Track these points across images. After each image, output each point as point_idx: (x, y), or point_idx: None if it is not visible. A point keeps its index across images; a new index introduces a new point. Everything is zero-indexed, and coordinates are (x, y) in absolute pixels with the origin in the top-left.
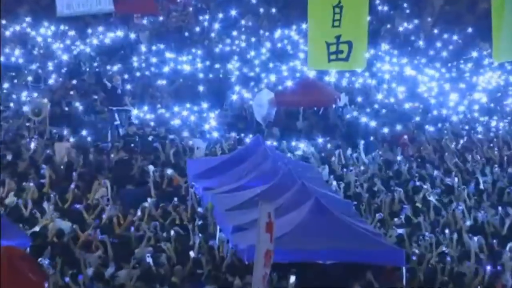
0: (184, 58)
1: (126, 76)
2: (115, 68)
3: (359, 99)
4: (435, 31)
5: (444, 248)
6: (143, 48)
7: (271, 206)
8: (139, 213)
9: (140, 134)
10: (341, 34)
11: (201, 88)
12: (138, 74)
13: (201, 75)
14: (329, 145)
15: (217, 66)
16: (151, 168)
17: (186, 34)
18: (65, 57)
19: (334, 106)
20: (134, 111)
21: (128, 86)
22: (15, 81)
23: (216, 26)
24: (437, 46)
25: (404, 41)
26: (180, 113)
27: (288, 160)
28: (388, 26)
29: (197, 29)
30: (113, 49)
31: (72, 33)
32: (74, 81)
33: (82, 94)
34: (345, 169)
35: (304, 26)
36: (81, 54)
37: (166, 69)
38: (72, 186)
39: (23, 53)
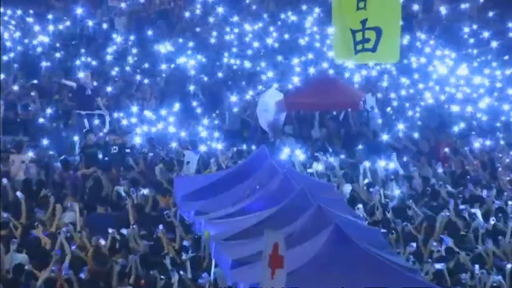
0: (171, 50)
1: (98, 73)
2: (84, 62)
3: (390, 101)
4: (485, 15)
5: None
6: (119, 37)
7: (280, 235)
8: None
9: (102, 144)
10: (367, 18)
11: (192, 87)
12: (113, 69)
13: (192, 71)
14: (352, 159)
15: (212, 60)
16: (120, 189)
17: (174, 20)
18: (21, 49)
19: (358, 109)
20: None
21: (102, 85)
22: None
23: (211, 10)
24: (488, 34)
25: (446, 28)
26: (166, 118)
27: (301, 177)
28: (426, 9)
29: (187, 13)
30: (81, 39)
31: (30, 19)
32: (33, 79)
33: (42, 94)
34: (371, 189)
35: (317, 10)
36: (41, 45)
37: (148, 63)
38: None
39: None
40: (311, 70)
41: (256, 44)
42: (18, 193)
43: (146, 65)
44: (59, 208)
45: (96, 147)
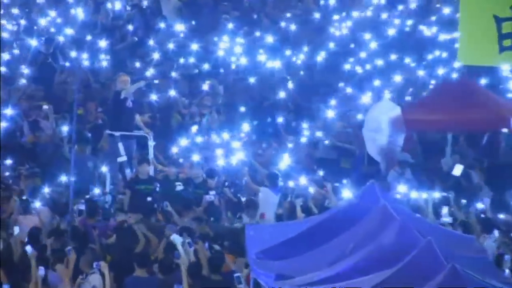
0: (240, 48)
1: (137, 78)
2: (119, 62)
3: None
4: None
5: None
6: (168, 27)
7: None
8: None
9: (160, 179)
10: None
11: (271, 97)
12: (159, 73)
13: (271, 75)
14: (500, 200)
15: (299, 60)
16: (178, 239)
17: (247, 3)
18: (28, 44)
19: (510, 130)
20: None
21: (142, 96)
22: None
23: None
24: None
25: None
26: (233, 141)
27: (427, 225)
28: None
29: None
30: (113, 31)
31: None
32: (44, 87)
33: (58, 108)
34: None
35: None
36: (55, 40)
37: (209, 64)
38: (42, 272)
39: None
40: (440, 73)
41: (363, 37)
42: (28, 248)
43: (206, 67)
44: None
45: (151, 183)
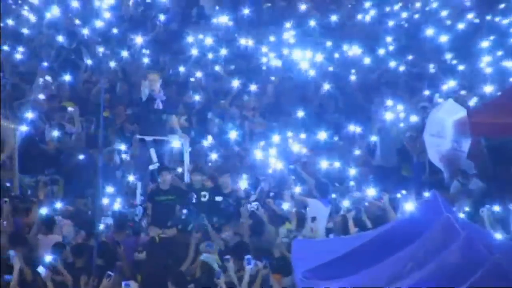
0: (287, 40)
1: (169, 76)
2: (149, 58)
3: None
4: None
5: None
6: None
7: None
8: None
9: (185, 189)
10: None
11: (321, 98)
12: (196, 72)
13: (322, 76)
14: None
15: (353, 56)
16: (211, 258)
17: None
18: (47, 38)
19: None
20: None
21: (176, 96)
22: None
23: None
24: None
25: None
26: (280, 148)
27: (496, 242)
28: None
29: None
30: (143, 24)
31: None
32: (69, 86)
33: (83, 109)
34: None
35: None
36: (80, 35)
37: (251, 61)
38: None
39: None
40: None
41: (429, 32)
42: (41, 270)
43: (248, 66)
44: None
45: (173, 193)
